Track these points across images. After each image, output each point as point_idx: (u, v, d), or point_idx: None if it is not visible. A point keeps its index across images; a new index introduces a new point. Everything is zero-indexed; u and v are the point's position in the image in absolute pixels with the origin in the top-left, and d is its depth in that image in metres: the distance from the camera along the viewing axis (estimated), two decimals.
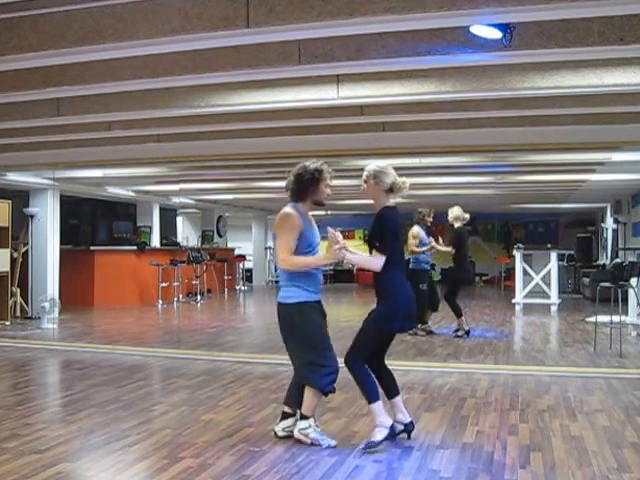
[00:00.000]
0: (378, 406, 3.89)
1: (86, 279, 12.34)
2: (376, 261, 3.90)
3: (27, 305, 10.72)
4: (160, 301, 12.86)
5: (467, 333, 8.51)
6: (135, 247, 13.31)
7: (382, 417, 3.87)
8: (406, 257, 8.52)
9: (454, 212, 8.86)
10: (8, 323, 9.84)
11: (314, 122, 6.12)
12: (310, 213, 4.10)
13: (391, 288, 3.94)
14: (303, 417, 3.97)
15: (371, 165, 4.09)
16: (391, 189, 4.04)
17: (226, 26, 3.37)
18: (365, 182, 4.08)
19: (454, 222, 8.89)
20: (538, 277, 12.13)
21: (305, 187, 3.95)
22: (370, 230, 4.04)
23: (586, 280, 13.78)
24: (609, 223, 15.27)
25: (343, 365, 4.00)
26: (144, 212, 15.04)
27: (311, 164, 3.97)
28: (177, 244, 15.08)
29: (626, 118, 5.70)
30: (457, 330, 8.61)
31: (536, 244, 15.33)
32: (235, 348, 7.68)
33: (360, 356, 3.99)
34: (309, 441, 3.91)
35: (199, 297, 13.93)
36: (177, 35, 3.49)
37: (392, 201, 4.09)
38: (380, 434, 3.84)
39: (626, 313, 8.69)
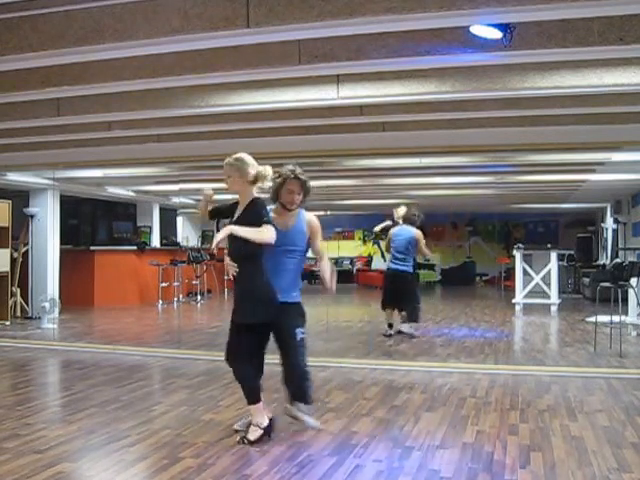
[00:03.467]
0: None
1: (86, 279, 12.33)
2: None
3: (27, 305, 10.72)
4: (160, 301, 12.86)
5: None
6: (135, 247, 13.30)
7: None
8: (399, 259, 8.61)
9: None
10: (8, 323, 9.83)
11: (314, 122, 6.12)
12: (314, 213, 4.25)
13: None
14: None
15: (228, 159, 3.95)
16: (255, 179, 3.92)
17: (226, 26, 3.37)
18: (229, 177, 3.95)
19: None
20: (538, 277, 12.13)
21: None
22: (249, 219, 3.85)
23: (586, 280, 13.77)
24: (609, 223, 15.26)
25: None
26: (144, 212, 15.03)
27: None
28: (177, 244, 15.07)
29: (626, 118, 5.70)
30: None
31: (536, 244, 15.31)
32: None
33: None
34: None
35: (199, 297, 13.92)
36: (177, 35, 3.49)
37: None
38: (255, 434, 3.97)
39: (626, 313, 8.69)
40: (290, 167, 4.12)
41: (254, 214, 3.85)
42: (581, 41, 3.57)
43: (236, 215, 3.98)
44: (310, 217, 4.22)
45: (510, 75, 4.49)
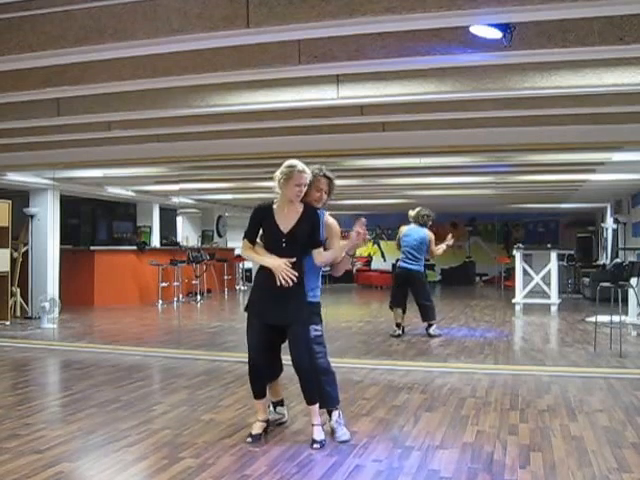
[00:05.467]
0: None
1: (86, 279, 12.33)
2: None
3: (27, 305, 10.72)
4: (160, 301, 12.86)
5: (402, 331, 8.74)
6: (135, 247, 13.31)
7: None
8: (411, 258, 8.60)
9: None
10: (8, 323, 9.83)
11: (314, 122, 6.12)
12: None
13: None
14: None
15: (305, 167, 4.00)
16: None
17: (226, 26, 3.37)
18: (305, 186, 4.00)
19: None
20: (538, 277, 12.13)
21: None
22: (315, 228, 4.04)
23: (586, 280, 13.77)
24: (609, 223, 15.26)
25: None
26: (144, 212, 15.05)
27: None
28: (177, 244, 15.08)
29: (626, 118, 5.70)
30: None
31: (536, 244, 15.31)
32: (235, 348, 7.65)
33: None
34: None
35: (199, 297, 13.93)
36: (177, 35, 3.49)
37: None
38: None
39: (626, 313, 8.69)
40: (317, 166, 4.16)
41: (317, 225, 4.05)
42: (581, 41, 3.57)
43: (291, 223, 3.98)
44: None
45: (510, 75, 4.49)
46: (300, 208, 4.01)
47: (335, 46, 3.89)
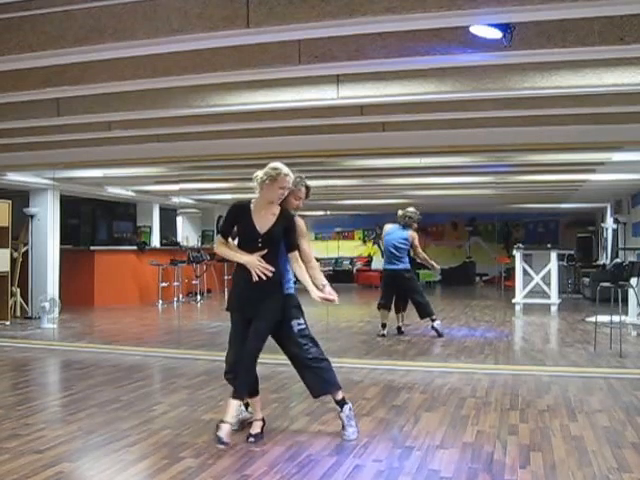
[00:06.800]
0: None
1: (86, 279, 12.33)
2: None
3: (27, 305, 10.72)
4: (160, 301, 12.86)
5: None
6: (135, 247, 13.32)
7: None
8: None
9: None
10: (8, 323, 9.84)
11: (314, 122, 6.12)
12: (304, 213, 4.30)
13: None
14: None
15: (289, 171, 4.04)
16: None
17: (226, 26, 3.37)
18: (286, 189, 4.07)
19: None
20: (538, 277, 12.12)
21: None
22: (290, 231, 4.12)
23: (586, 280, 13.77)
24: (609, 223, 15.26)
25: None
26: (144, 212, 15.05)
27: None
28: (177, 244, 15.08)
29: (626, 118, 5.69)
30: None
31: (536, 244, 15.32)
32: None
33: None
34: None
35: (199, 297, 13.93)
36: (177, 35, 3.49)
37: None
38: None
39: (626, 313, 8.69)
40: (297, 175, 4.24)
41: (293, 228, 4.12)
42: (581, 41, 3.57)
43: (268, 224, 4.04)
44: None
45: (510, 75, 4.49)
46: (276, 210, 4.08)
47: (335, 46, 3.89)
